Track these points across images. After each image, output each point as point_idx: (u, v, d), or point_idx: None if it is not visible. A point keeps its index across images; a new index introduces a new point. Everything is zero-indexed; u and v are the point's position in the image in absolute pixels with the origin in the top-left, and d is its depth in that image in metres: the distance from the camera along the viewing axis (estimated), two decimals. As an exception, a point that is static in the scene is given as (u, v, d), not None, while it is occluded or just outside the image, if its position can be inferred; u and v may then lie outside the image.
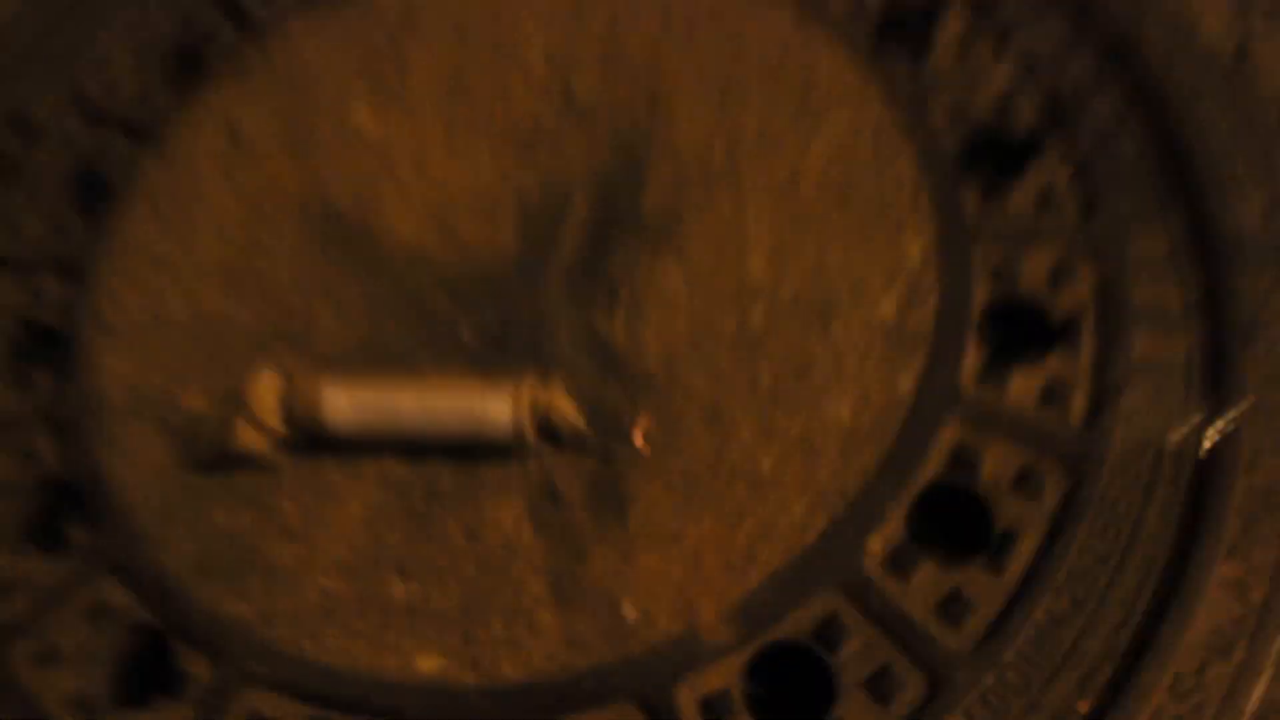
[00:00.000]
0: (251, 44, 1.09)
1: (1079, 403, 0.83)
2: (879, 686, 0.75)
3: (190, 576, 0.86)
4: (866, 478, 0.81)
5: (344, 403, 0.84)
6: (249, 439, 0.86)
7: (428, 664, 0.80)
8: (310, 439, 0.86)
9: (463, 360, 0.89)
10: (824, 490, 0.81)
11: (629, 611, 0.79)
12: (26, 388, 0.97)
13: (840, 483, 0.81)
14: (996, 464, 0.81)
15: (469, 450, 0.84)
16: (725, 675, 0.77)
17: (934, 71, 0.97)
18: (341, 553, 0.84)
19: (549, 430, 0.84)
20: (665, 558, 0.80)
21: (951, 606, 0.77)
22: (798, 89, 0.97)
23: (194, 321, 0.95)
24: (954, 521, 0.81)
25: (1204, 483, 0.79)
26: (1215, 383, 0.82)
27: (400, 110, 1.01)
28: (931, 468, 0.81)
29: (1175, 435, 0.80)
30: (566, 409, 0.83)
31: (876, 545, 0.79)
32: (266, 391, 0.86)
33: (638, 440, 0.83)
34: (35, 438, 0.94)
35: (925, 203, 0.91)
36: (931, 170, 0.92)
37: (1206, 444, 0.80)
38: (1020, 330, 0.86)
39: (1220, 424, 0.80)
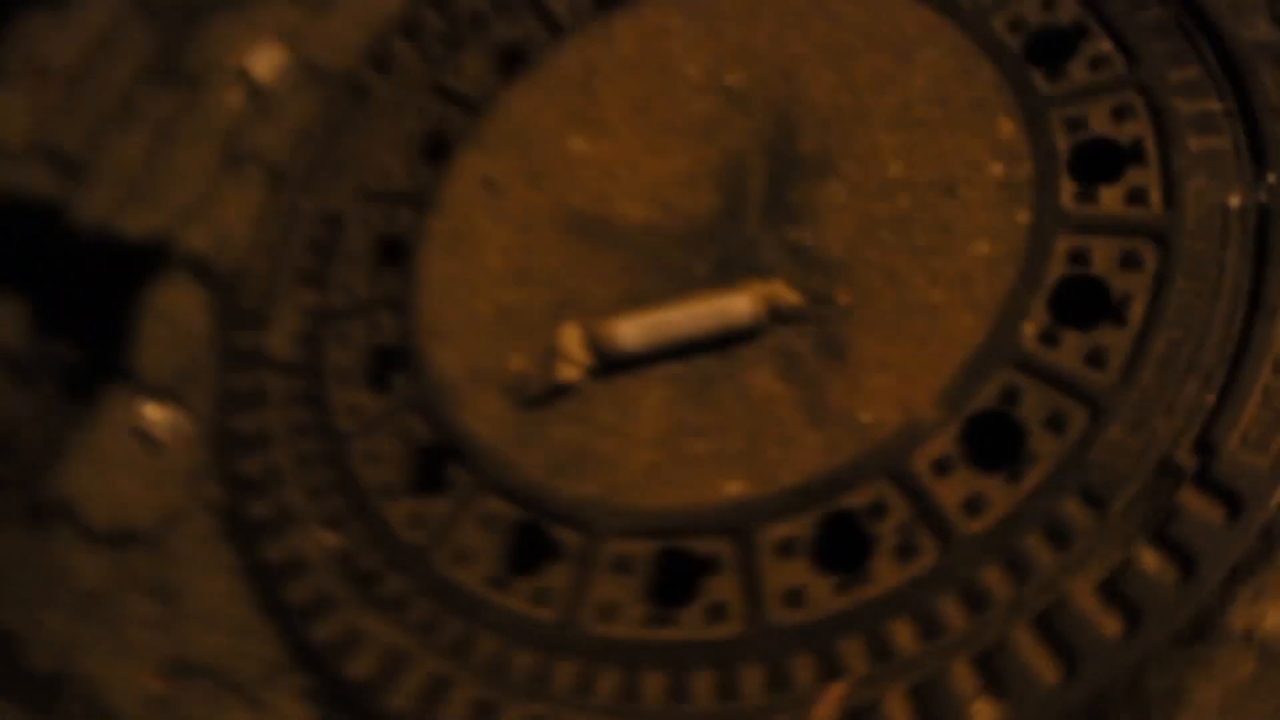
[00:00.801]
0: (479, 118, 1.47)
1: (1156, 196, 1.12)
2: (1056, 422, 1.04)
3: (546, 478, 1.20)
4: (1012, 286, 1.11)
5: (632, 330, 1.18)
6: (568, 373, 1.21)
7: (732, 488, 1.12)
8: (609, 365, 1.20)
9: (702, 288, 1.23)
10: (984, 303, 1.11)
11: (865, 418, 1.10)
12: (389, 391, 1.34)
13: (993, 295, 1.11)
14: (1105, 254, 1.10)
15: (724, 341, 1.17)
16: (944, 444, 1.07)
17: (1065, 88, 1.26)
18: (650, 433, 1.18)
19: (778, 313, 1.16)
20: (882, 376, 1.11)
21: (1095, 355, 1.06)
22: (891, 40, 1.30)
23: (499, 313, 1.31)
24: (1085, 300, 1.10)
25: (1262, 225, 1.07)
26: (1256, 155, 1.10)
27: (605, 133, 1.37)
28: (1056, 269, 1.11)
29: (1234, 199, 1.08)
30: (787, 294, 1.15)
31: (1030, 329, 1.09)
32: (572, 338, 1.21)
33: (841, 304, 1.15)
34: (405, 420, 1.31)
35: (1006, 92, 1.21)
36: (1005, 69, 1.23)
37: (1262, 197, 1.08)
38: (1101, 160, 1.16)
39: (1269, 180, 1.08)
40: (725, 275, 1.23)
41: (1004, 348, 1.09)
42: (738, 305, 1.15)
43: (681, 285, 1.24)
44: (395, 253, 1.43)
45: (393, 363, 1.36)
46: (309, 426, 1.37)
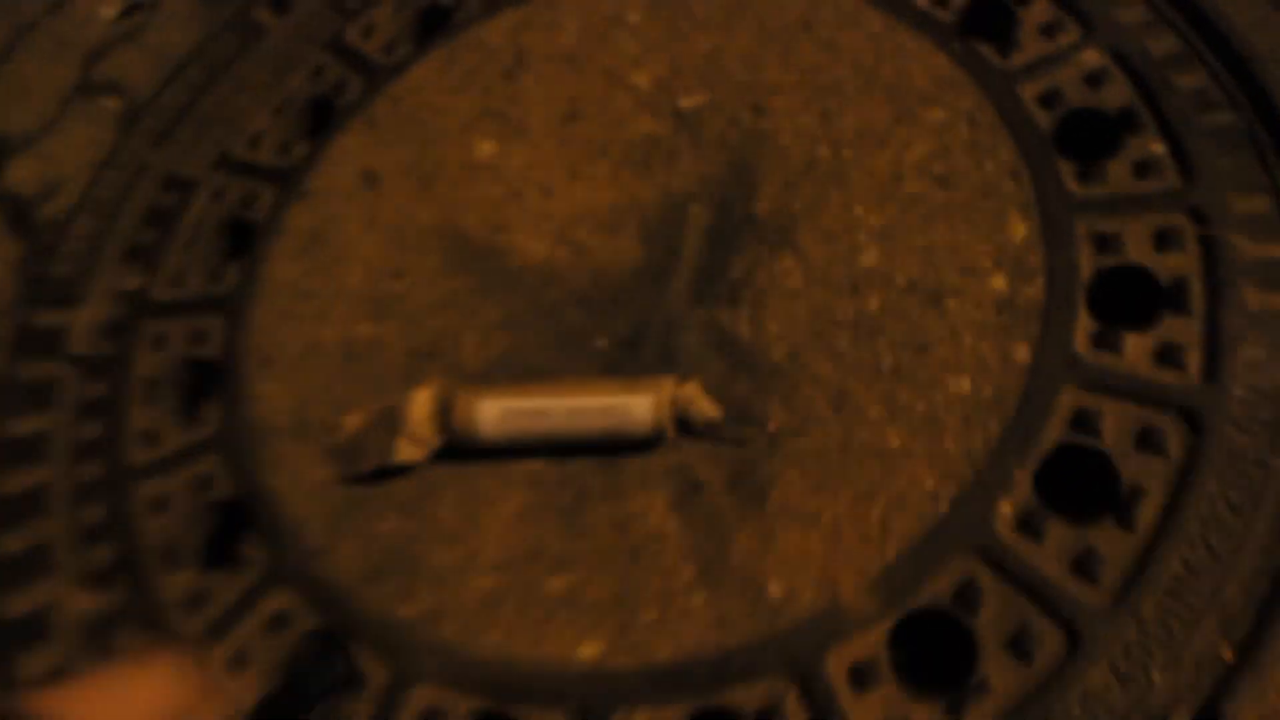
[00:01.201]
0: (377, 92, 1.17)
1: (1195, 359, 0.85)
2: (1020, 645, 0.78)
3: (360, 584, 0.93)
4: (992, 445, 0.84)
5: (495, 414, 0.90)
6: (408, 452, 0.93)
7: (588, 651, 0.85)
8: (464, 448, 0.93)
9: (599, 367, 0.95)
10: (952, 461, 0.85)
11: (774, 590, 0.84)
12: (196, 421, 1.05)
13: (967, 452, 0.85)
14: (1118, 424, 0.84)
15: (613, 448, 0.90)
16: (870, 644, 0.81)
17: (1022, 58, 1.01)
18: (498, 553, 0.90)
19: (687, 425, 0.89)
20: (805, 536, 0.84)
21: (1085, 563, 0.80)
22: (894, 87, 1.02)
23: (346, 348, 1.03)
24: (1081, 482, 0.83)
25: (1330, 428, 0.81)
26: (1334, 332, 0.84)
27: (522, 141, 1.08)
28: (1054, 432, 0.84)
29: (1297, 385, 0.82)
30: (703, 404, 0.88)
31: (1007, 509, 0.82)
32: (422, 406, 0.93)
33: (771, 428, 0.88)
34: (207, 465, 1.03)
35: (1025, 183, 0.94)
36: (1029, 152, 0.95)
37: (1330, 392, 0.82)
38: (1130, 295, 0.89)
39: (1343, 371, 0.82)
40: (631, 357, 0.95)
41: (969, 528, 0.83)
42: (634, 409, 0.87)
43: (575, 358, 0.96)
44: (245, 243, 1.14)
45: (210, 385, 1.08)
46: (95, 447, 1.08)
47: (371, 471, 0.95)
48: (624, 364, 0.95)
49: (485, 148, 1.09)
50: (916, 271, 0.93)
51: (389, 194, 1.10)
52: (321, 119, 1.19)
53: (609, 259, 1.00)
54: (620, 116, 1.07)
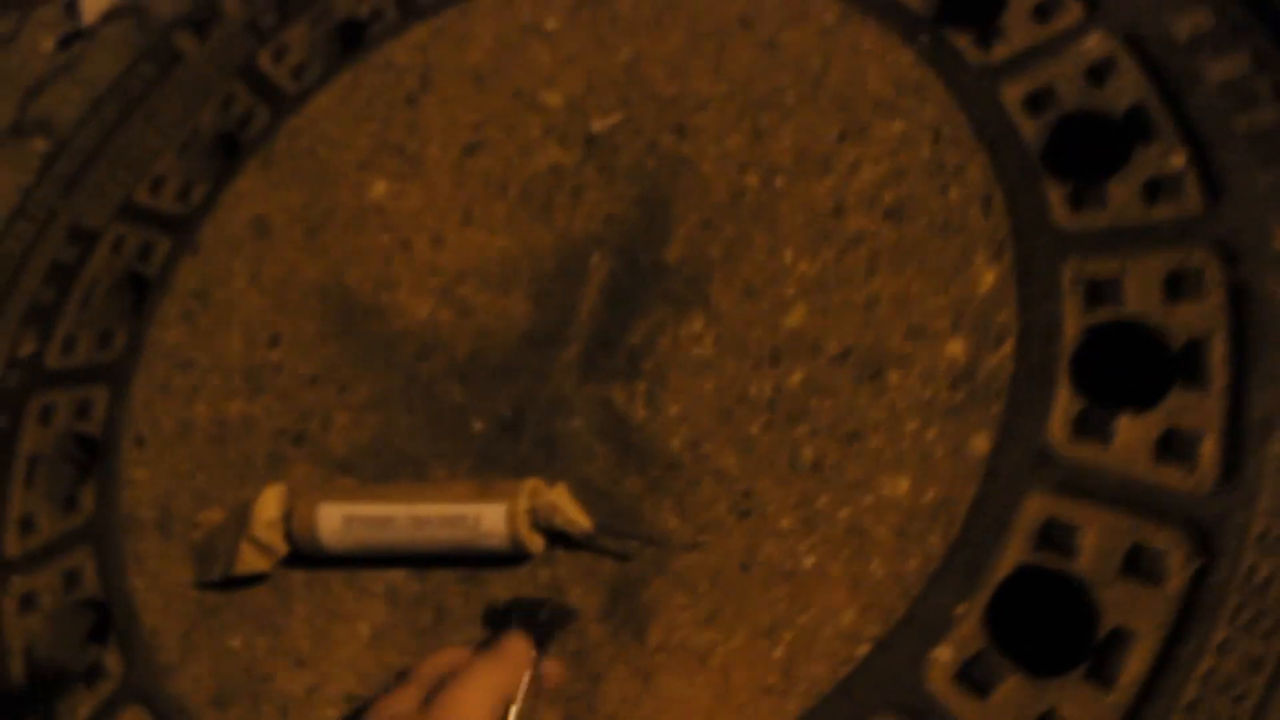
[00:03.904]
0: (280, 123, 1.03)
1: (1210, 452, 0.63)
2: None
3: (206, 709, 0.79)
4: (931, 568, 0.65)
5: (335, 521, 0.75)
6: (251, 562, 0.79)
7: (436, 812, 0.70)
8: (311, 557, 0.78)
9: (474, 456, 0.79)
10: (879, 588, 0.65)
11: (648, 748, 0.66)
12: (74, 507, 0.94)
13: (898, 577, 0.65)
14: (1100, 541, 0.63)
15: (480, 559, 0.74)
16: (765, 828, 0.63)
17: (1005, 50, 0.80)
18: (349, 682, 0.75)
19: (553, 535, 0.72)
20: (689, 680, 0.67)
21: (1044, 740, 0.60)
22: (847, 95, 0.82)
23: (217, 428, 0.89)
24: (1047, 620, 0.63)
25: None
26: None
27: (417, 179, 0.93)
28: (1015, 551, 0.64)
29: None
30: (570, 513, 0.71)
31: (945, 655, 0.63)
32: (269, 509, 0.79)
33: (658, 539, 0.71)
34: (77, 561, 0.91)
35: (1000, 214, 0.73)
36: (1006, 174, 0.75)
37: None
38: (1129, 363, 0.68)
39: None
40: (509, 445, 0.79)
41: (894, 679, 0.63)
42: (485, 520, 0.71)
43: (449, 444, 0.81)
44: (138, 303, 1.02)
45: (90, 466, 0.96)
46: (-26, 535, 0.98)
47: (221, 579, 0.82)
48: (501, 453, 0.78)
49: (379, 188, 0.94)
50: (852, 336, 0.73)
51: (277, 245, 0.96)
52: (227, 156, 1.06)
53: (494, 322, 0.84)
54: (526, 145, 0.90)
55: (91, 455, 0.96)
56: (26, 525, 0.95)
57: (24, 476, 0.98)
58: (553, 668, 0.65)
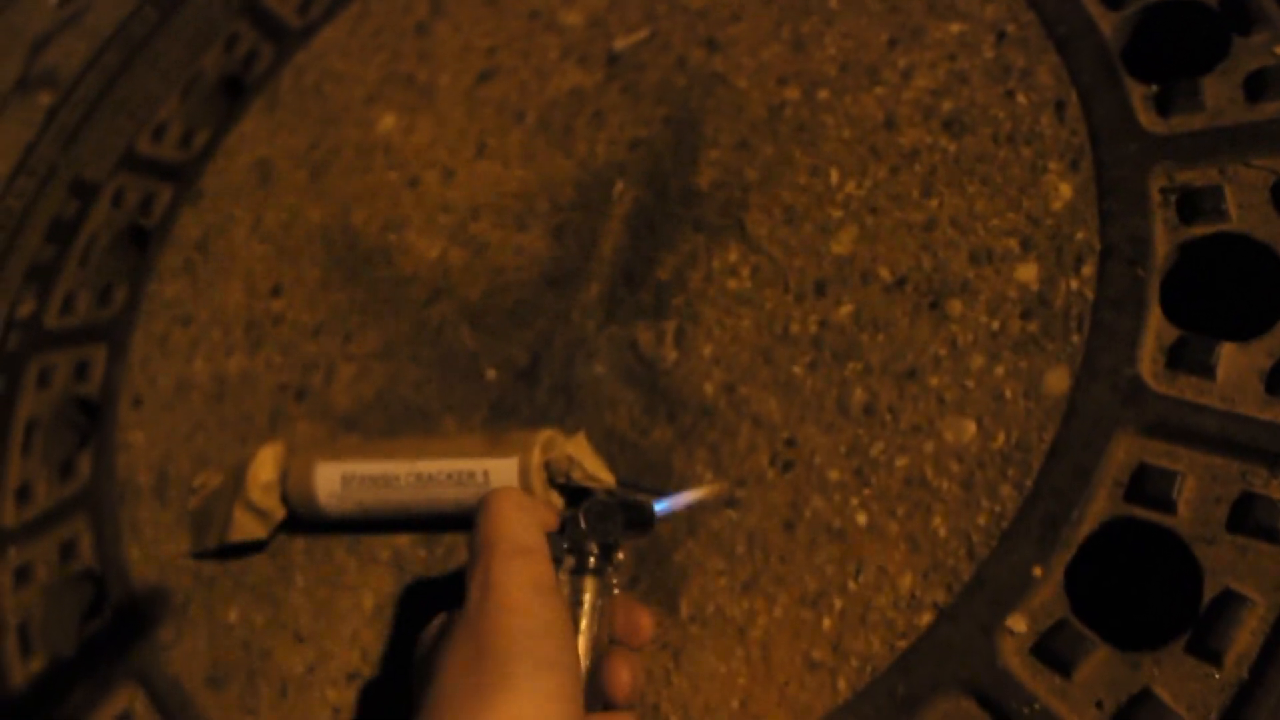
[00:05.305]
0: (285, 61, 0.96)
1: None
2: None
3: (202, 688, 0.73)
4: (1003, 525, 0.56)
5: (335, 481, 0.68)
6: (246, 529, 0.72)
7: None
8: (309, 520, 0.71)
9: (487, 406, 0.71)
10: (942, 549, 0.57)
11: (682, 735, 0.58)
12: (69, 471, 0.88)
13: (965, 536, 0.56)
14: (1202, 489, 0.54)
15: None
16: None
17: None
18: (352, 659, 0.68)
19: (576, 491, 0.64)
20: (725, 656, 0.59)
21: (1138, 716, 0.51)
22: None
23: (216, 385, 0.83)
24: (1138, 584, 0.54)
25: None
26: None
27: (427, 110, 0.85)
28: (1101, 504, 0.55)
29: None
30: (591, 465, 0.63)
31: (1021, 625, 0.54)
32: (264, 471, 0.72)
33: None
34: (73, 530, 0.85)
35: (1075, 120, 0.64)
36: (1082, 75, 0.65)
37: None
38: (1231, 285, 0.58)
39: None
40: (525, 393, 0.71)
41: (960, 654, 0.55)
42: (497, 476, 0.63)
43: (459, 394, 0.73)
44: (139, 257, 0.96)
45: (88, 430, 0.90)
46: (-29, 504, 0.92)
47: (216, 548, 0.75)
48: (516, 403, 0.70)
49: (386, 122, 0.86)
50: (908, 262, 0.64)
51: (280, 189, 0.89)
52: (231, 99, 0.99)
53: (509, 260, 0.76)
54: (543, 68, 0.82)
55: (90, 419, 0.90)
56: (24, 494, 0.89)
57: (22, 443, 0.92)
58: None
